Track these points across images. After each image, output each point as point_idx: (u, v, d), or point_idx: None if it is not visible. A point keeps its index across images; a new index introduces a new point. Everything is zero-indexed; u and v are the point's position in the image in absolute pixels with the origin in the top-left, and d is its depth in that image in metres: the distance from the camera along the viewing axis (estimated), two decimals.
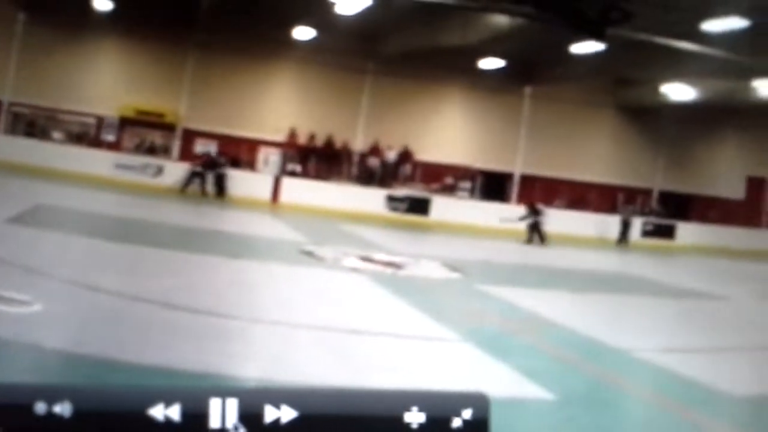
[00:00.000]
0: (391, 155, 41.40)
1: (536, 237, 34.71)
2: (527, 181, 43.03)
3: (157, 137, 40.01)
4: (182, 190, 36.12)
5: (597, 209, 41.49)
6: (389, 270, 20.23)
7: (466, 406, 1.85)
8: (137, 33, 37.94)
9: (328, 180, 39.66)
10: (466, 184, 42.28)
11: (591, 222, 39.85)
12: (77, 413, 1.74)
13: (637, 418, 10.02)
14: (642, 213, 43.32)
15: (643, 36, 28.68)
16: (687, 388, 11.22)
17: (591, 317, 16.89)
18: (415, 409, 1.83)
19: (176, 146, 39.99)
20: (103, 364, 8.94)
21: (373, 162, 41.51)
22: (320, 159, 41.07)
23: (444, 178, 41.63)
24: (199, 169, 36.69)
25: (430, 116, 42.27)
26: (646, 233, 41.33)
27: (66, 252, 17.44)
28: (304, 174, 40.03)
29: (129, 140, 39.56)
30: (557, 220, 37.58)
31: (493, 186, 43.06)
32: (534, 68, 40.71)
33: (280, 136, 40.60)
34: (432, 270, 21.78)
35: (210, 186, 36.73)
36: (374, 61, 40.62)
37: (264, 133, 40.55)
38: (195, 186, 36.46)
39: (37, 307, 10.87)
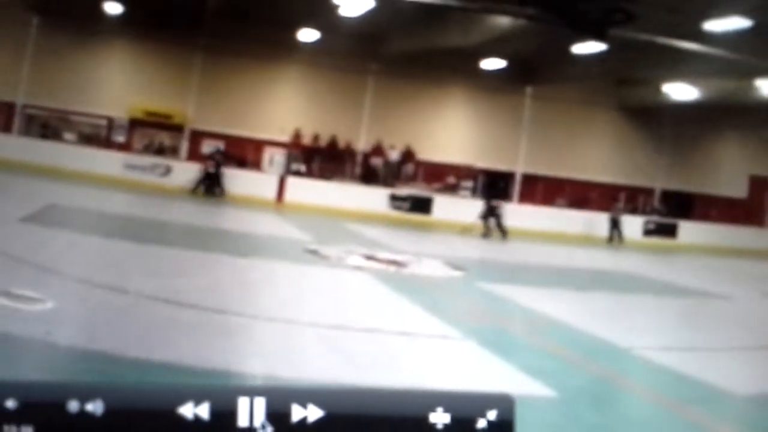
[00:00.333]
0: (394, 155, 41.46)
1: (496, 231, 34.82)
2: (529, 180, 43.05)
3: (165, 138, 40.29)
4: (194, 190, 36.27)
5: (599, 208, 41.47)
6: (392, 268, 20.25)
7: (491, 407, 1.87)
8: (146, 37, 38.29)
9: (332, 180, 39.71)
10: (468, 184, 42.31)
11: (591, 221, 39.79)
12: (109, 411, 1.77)
13: (639, 416, 10.04)
14: (644, 212, 43.34)
15: (645, 36, 28.68)
16: (689, 387, 11.22)
17: (594, 315, 16.88)
18: (440, 409, 1.86)
19: (184, 147, 40.22)
20: (111, 360, 9.01)
21: (376, 162, 41.56)
22: (324, 159, 41.16)
23: (446, 177, 41.65)
24: (212, 169, 36.85)
25: (433, 116, 42.33)
26: (648, 232, 41.34)
27: (77, 250, 17.55)
28: (309, 174, 40.11)
29: (138, 141, 39.82)
30: (557, 219, 37.70)
31: (494, 185, 43.10)
32: (536, 69, 40.72)
33: (285, 137, 40.71)
34: (435, 268, 21.81)
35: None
36: (377, 62, 40.69)
37: (269, 134, 40.66)
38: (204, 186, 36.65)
39: (49, 305, 10.93)
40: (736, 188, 44.79)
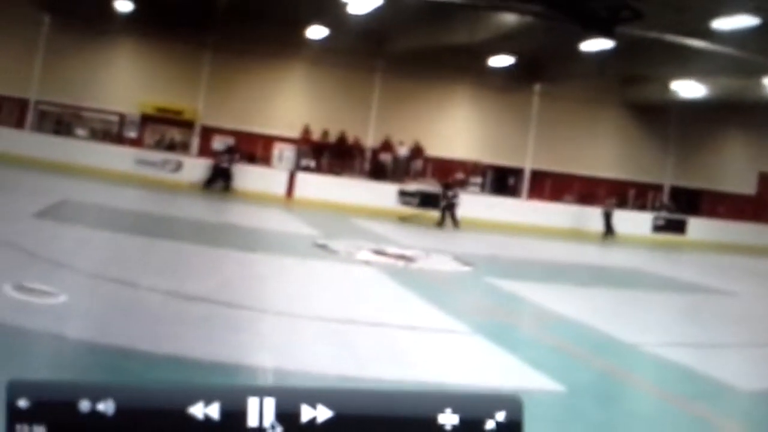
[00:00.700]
0: (403, 151, 41.49)
1: (449, 221, 34.92)
2: (538, 176, 43.04)
3: (176, 134, 40.45)
4: (206, 186, 36.43)
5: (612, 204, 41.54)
6: (401, 263, 20.28)
7: (499, 409, 1.88)
8: (157, 34, 38.48)
9: (341, 175, 39.74)
10: (477, 179, 42.34)
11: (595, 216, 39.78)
12: (120, 411, 1.78)
13: (644, 412, 10.05)
14: (653, 208, 43.31)
15: (652, 34, 28.67)
16: (695, 383, 11.24)
17: (600, 311, 16.85)
18: (448, 410, 1.87)
19: (195, 142, 40.33)
20: (121, 353, 9.07)
21: (385, 157, 41.60)
22: (333, 155, 41.21)
23: (455, 173, 41.64)
24: (226, 164, 36.99)
25: (441, 113, 42.39)
26: (657, 228, 41.31)
27: (89, 245, 17.62)
28: (318, 169, 40.16)
29: (149, 137, 39.98)
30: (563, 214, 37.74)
31: (503, 181, 43.17)
32: (544, 66, 40.69)
33: (294, 133, 40.78)
34: (443, 263, 21.86)
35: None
36: (385, 59, 40.72)
37: (278, 130, 40.73)
38: (217, 182, 36.82)
39: (61, 299, 10.99)
40: (745, 185, 44.72)
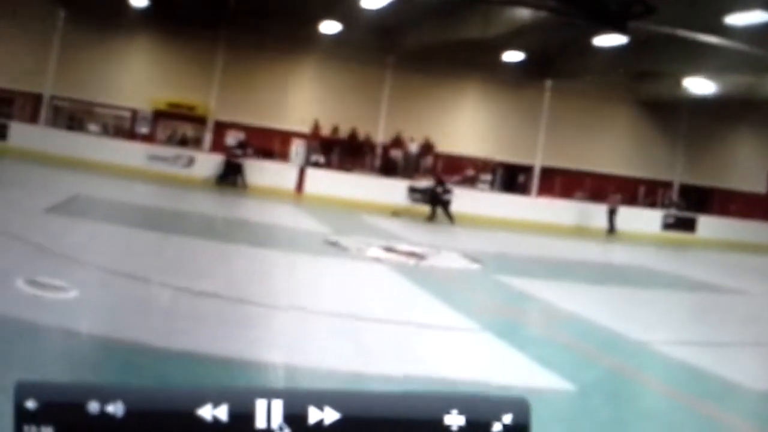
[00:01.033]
0: (413, 147, 41.46)
1: (444, 217, 34.82)
2: (548, 173, 42.99)
3: (188, 129, 40.53)
4: (220, 181, 36.53)
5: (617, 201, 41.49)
6: (411, 260, 20.28)
7: (506, 411, 1.88)
8: (170, 29, 38.61)
9: (352, 171, 39.75)
10: (487, 177, 42.32)
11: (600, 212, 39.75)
12: (129, 413, 1.79)
13: (653, 410, 10.03)
14: (663, 206, 43.26)
15: (664, 29, 28.58)
16: (704, 382, 11.23)
17: (609, 309, 16.85)
18: (455, 412, 1.87)
19: (208, 138, 40.38)
20: (132, 348, 9.09)
21: (396, 154, 41.58)
22: (344, 151, 41.20)
23: (465, 170, 41.63)
24: (239, 160, 37.07)
25: (452, 109, 42.38)
26: (667, 226, 41.26)
27: (101, 240, 17.70)
28: (328, 165, 40.15)
29: (162, 132, 40.06)
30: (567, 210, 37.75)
31: (513, 178, 43.14)
32: (555, 62, 40.61)
33: (305, 128, 40.80)
34: (453, 261, 21.84)
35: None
36: (396, 55, 40.69)
37: (290, 125, 40.76)
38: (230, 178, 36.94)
39: (73, 293, 11.01)
40: (756, 183, 44.62)
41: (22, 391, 1.78)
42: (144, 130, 39.92)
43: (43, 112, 38.84)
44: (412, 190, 38.45)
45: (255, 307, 12.69)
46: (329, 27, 37.87)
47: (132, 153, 36.88)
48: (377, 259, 19.92)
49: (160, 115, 40.20)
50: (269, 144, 40.38)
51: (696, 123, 43.21)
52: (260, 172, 37.43)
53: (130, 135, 39.47)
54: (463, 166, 41.70)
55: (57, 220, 19.22)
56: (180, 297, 12.48)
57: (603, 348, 12.77)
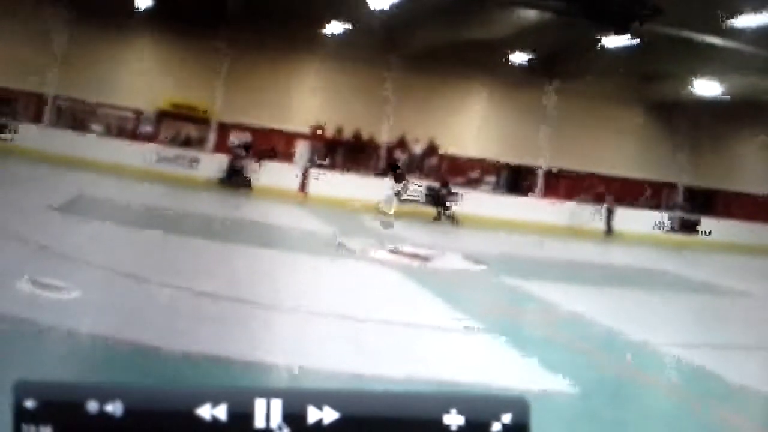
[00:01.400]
0: (418, 148, 41.45)
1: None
2: (553, 175, 42.97)
3: (192, 130, 40.60)
4: (225, 181, 36.60)
5: (622, 203, 41.50)
6: (416, 262, 20.29)
7: (506, 411, 1.88)
8: (173, 30, 38.63)
9: (356, 172, 39.74)
10: (491, 178, 42.31)
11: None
12: (128, 412, 1.79)
13: (658, 412, 10.04)
14: (667, 207, 43.24)
15: (671, 31, 28.58)
16: (709, 383, 11.25)
17: (613, 310, 16.88)
18: (454, 411, 1.87)
19: (211, 138, 40.47)
20: (133, 349, 9.12)
21: (399, 155, 41.55)
22: (348, 152, 41.21)
23: (469, 171, 41.62)
24: (243, 161, 37.20)
25: (457, 110, 42.39)
26: (672, 228, 41.25)
27: (104, 240, 17.75)
28: (332, 166, 40.13)
29: (165, 133, 40.12)
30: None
31: (517, 180, 43.13)
32: (560, 63, 40.58)
33: (309, 129, 40.83)
34: (457, 262, 21.85)
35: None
36: (401, 56, 40.65)
37: (295, 126, 40.79)
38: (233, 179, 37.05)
39: (75, 294, 11.03)
40: (761, 185, 44.53)
41: (20, 391, 1.78)
42: (148, 130, 39.97)
43: (47, 112, 38.91)
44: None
45: (257, 308, 12.70)
46: (334, 27, 37.87)
47: (136, 153, 36.92)
48: (381, 261, 19.93)
49: (163, 116, 40.26)
50: (273, 145, 40.39)
51: (701, 124, 43.12)
52: (264, 172, 37.43)
53: (134, 135, 39.51)
54: (468, 168, 41.69)
55: (60, 219, 19.30)
56: (182, 297, 12.50)
57: (607, 350, 12.78)
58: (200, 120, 40.50)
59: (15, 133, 35.68)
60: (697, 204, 43.43)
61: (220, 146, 39.88)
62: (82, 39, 38.31)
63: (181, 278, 13.86)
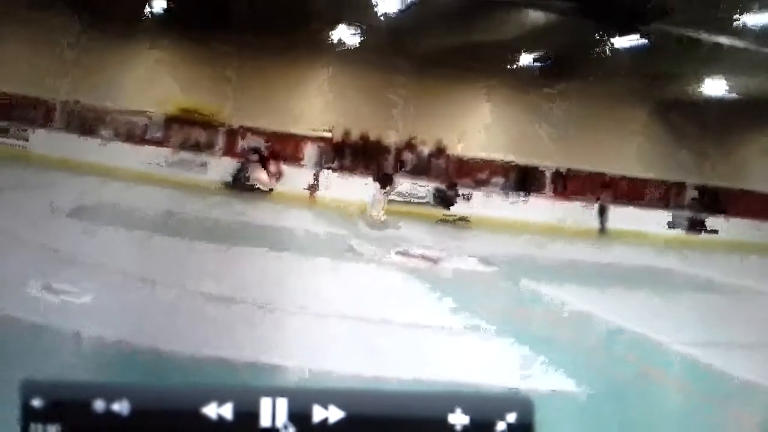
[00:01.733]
0: (425, 150, 41.42)
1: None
2: (563, 175, 42.91)
3: (202, 134, 40.65)
4: (233, 185, 36.71)
5: (632, 203, 41.49)
6: (426, 264, 20.29)
7: (510, 410, 1.89)
8: (183, 35, 38.67)
9: (364, 175, 39.72)
10: (499, 180, 42.26)
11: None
12: (134, 411, 1.80)
13: (673, 411, 10.04)
14: (675, 206, 43.19)
15: (682, 31, 28.54)
16: (718, 382, 11.24)
17: (627, 311, 16.87)
18: (459, 411, 1.88)
19: (220, 143, 40.55)
20: (148, 353, 9.16)
21: (407, 157, 41.55)
22: (356, 154, 41.20)
23: (477, 173, 41.60)
24: (253, 165, 37.38)
25: (464, 112, 42.34)
26: (683, 227, 41.23)
27: (115, 245, 17.80)
28: (341, 169, 40.13)
29: (175, 138, 40.20)
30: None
31: (527, 180, 43.05)
32: (570, 63, 40.49)
33: (318, 133, 40.85)
34: (467, 264, 21.82)
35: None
36: (408, 58, 40.65)
37: (305, 130, 40.83)
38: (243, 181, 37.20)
39: (86, 298, 11.06)
40: None
41: (28, 390, 1.80)
42: (157, 135, 40.06)
43: (58, 117, 39.03)
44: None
45: (267, 310, 12.72)
46: (344, 31, 37.86)
47: (145, 158, 37.08)
48: (392, 263, 19.94)
49: (173, 120, 40.29)
50: (283, 148, 40.47)
51: (710, 124, 43.03)
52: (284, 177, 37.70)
53: (143, 140, 39.60)
54: (476, 169, 41.68)
55: (70, 224, 19.32)
56: (195, 301, 12.52)
57: (622, 350, 12.78)
58: (209, 124, 40.57)
59: (25, 141, 35.97)
60: (705, 203, 43.36)
61: (229, 150, 39.93)
62: (93, 44, 38.43)
63: (191, 281, 13.90)
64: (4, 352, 8.31)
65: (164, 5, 36.49)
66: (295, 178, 38.27)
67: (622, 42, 31.08)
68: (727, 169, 44.18)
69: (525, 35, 33.76)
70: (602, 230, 38.74)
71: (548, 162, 43.02)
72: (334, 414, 1.84)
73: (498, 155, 42.31)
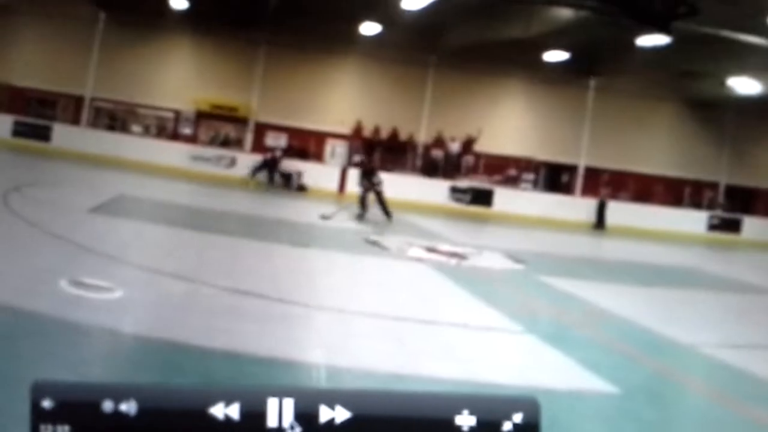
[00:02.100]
0: (454, 147, 41.40)
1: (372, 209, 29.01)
2: (592, 173, 42.82)
3: (230, 130, 40.87)
4: (269, 181, 37.15)
5: (662, 202, 41.35)
6: (453, 260, 20.27)
7: (516, 411, 1.89)
8: (211, 30, 38.92)
9: (393, 171, 39.76)
10: (530, 176, 42.22)
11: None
12: (142, 411, 1.81)
13: (699, 414, 9.99)
14: (708, 207, 43.02)
15: (709, 29, 28.41)
16: (749, 385, 11.17)
17: (653, 311, 16.76)
18: (465, 412, 1.88)
19: (249, 139, 40.70)
20: (176, 348, 9.20)
21: (437, 154, 41.55)
22: (385, 151, 41.23)
23: (507, 169, 41.57)
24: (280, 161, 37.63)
25: (494, 108, 42.31)
26: (712, 227, 41.06)
27: (144, 240, 17.90)
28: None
29: (204, 133, 40.44)
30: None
31: (556, 178, 43.00)
32: (599, 61, 40.40)
33: (346, 129, 40.92)
34: (495, 261, 21.79)
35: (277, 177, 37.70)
36: (437, 54, 40.70)
37: (331, 126, 40.91)
38: (262, 176, 37.33)
39: (118, 294, 11.11)
40: None
41: (37, 391, 1.81)
42: (187, 130, 40.27)
43: (85, 114, 39.27)
44: (455, 190, 38.53)
45: (296, 306, 12.74)
46: (370, 27, 37.87)
47: (175, 153, 37.36)
48: (418, 259, 19.94)
49: (202, 116, 40.50)
50: (310, 145, 40.64)
51: (741, 123, 42.82)
52: (303, 173, 37.78)
53: (173, 136, 39.84)
54: (506, 166, 41.66)
55: (101, 220, 19.42)
56: (223, 297, 12.57)
57: (648, 350, 12.72)
58: (238, 120, 40.73)
59: (50, 136, 36.35)
60: (737, 203, 43.16)
61: (258, 146, 40.08)
62: (119, 40, 38.75)
63: (222, 278, 13.94)
64: (32, 349, 8.34)
65: (192, 1, 36.57)
66: (324, 174, 38.35)
67: (652, 40, 30.95)
68: (760, 169, 43.92)
69: (555, 32, 33.70)
70: (598, 225, 38.55)
71: (579, 159, 42.90)
72: (341, 414, 1.85)
73: (528, 152, 42.22)
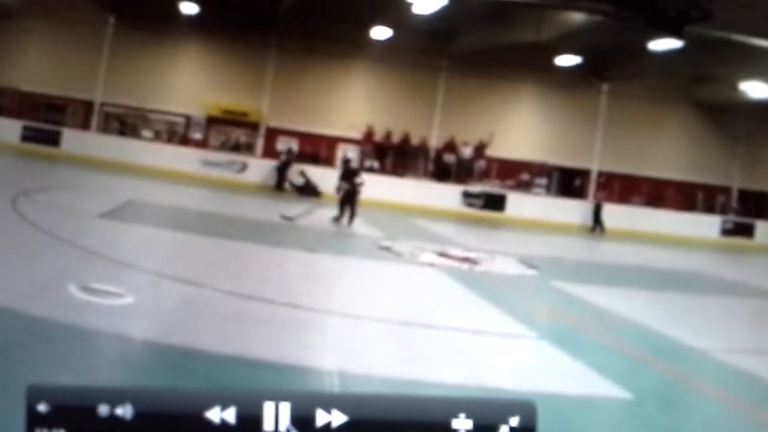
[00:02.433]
0: (467, 151, 41.33)
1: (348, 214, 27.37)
2: (604, 177, 42.71)
3: (241, 135, 40.87)
4: (278, 187, 37.25)
5: (675, 207, 41.22)
6: (465, 266, 20.23)
7: (513, 414, 1.88)
8: (221, 35, 38.90)
9: (405, 176, 39.74)
10: (542, 181, 42.13)
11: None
12: (138, 415, 1.81)
13: (711, 419, 9.95)
14: (721, 211, 42.88)
15: (721, 33, 28.32)
16: (762, 390, 11.12)
17: (666, 315, 16.73)
18: (462, 416, 1.87)
19: (260, 144, 40.70)
20: (186, 353, 9.18)
21: (449, 158, 41.50)
22: (397, 155, 41.20)
23: (519, 174, 41.50)
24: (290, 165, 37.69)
25: (506, 113, 42.23)
26: (725, 232, 40.92)
27: (154, 245, 17.86)
28: (382, 170, 40.14)
29: (215, 138, 40.46)
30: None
31: (569, 182, 42.90)
32: (611, 65, 40.31)
33: (358, 133, 40.88)
34: (507, 266, 21.73)
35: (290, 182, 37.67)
36: (449, 59, 40.67)
37: (342, 131, 40.87)
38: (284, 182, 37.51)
39: (128, 300, 11.10)
40: None
41: (33, 395, 1.80)
42: (197, 135, 40.30)
43: (95, 119, 39.33)
44: (467, 195, 38.47)
45: (307, 311, 12.72)
46: (381, 32, 37.84)
47: (185, 158, 37.36)
48: (430, 264, 19.91)
49: (213, 121, 40.53)
50: (321, 150, 40.62)
51: (754, 127, 42.66)
52: (313, 177, 37.74)
53: (184, 141, 39.88)
54: (518, 171, 41.59)
55: (110, 225, 19.43)
56: (232, 302, 12.55)
57: (659, 355, 12.68)
58: (249, 125, 40.73)
59: (60, 142, 36.49)
60: (750, 207, 43.01)
61: (269, 151, 40.07)
62: (129, 45, 38.77)
63: (232, 283, 13.92)
64: (40, 355, 8.33)
65: (202, 5, 36.61)
66: (334, 179, 38.32)
67: (664, 44, 30.87)
68: (767, 173, 43.74)
69: (567, 36, 33.61)
70: (594, 229, 38.39)
71: (592, 164, 42.80)
72: (337, 418, 1.85)
73: (540, 157, 42.13)
